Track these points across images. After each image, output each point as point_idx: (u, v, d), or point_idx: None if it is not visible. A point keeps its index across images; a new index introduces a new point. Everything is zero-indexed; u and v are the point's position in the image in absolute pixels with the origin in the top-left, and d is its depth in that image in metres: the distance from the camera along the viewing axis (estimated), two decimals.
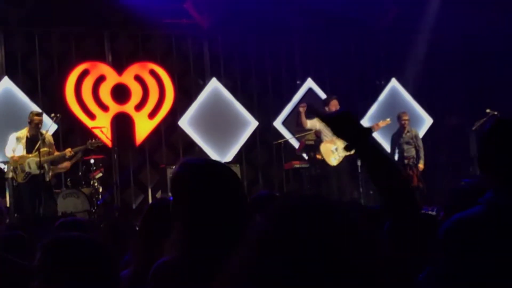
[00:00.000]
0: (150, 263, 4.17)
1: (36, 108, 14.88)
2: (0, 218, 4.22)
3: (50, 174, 13.60)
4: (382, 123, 15.80)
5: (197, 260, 2.93)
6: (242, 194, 3.08)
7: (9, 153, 13.32)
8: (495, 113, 15.17)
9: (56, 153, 13.61)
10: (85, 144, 14.01)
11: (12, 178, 13.24)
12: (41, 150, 13.15)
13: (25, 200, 13.15)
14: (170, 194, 3.10)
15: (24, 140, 13.32)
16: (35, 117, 13.45)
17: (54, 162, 13.79)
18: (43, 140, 13.29)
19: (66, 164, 14.07)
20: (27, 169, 13.11)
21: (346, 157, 14.50)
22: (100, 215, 13.86)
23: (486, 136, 2.99)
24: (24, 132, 13.43)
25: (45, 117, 14.48)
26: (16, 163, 13.16)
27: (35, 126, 13.33)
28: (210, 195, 2.97)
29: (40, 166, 13.11)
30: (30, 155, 13.12)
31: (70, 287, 2.97)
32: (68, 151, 13.56)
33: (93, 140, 14.17)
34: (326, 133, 14.65)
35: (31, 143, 13.29)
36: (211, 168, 3.10)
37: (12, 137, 13.44)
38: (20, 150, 13.26)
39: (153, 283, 2.90)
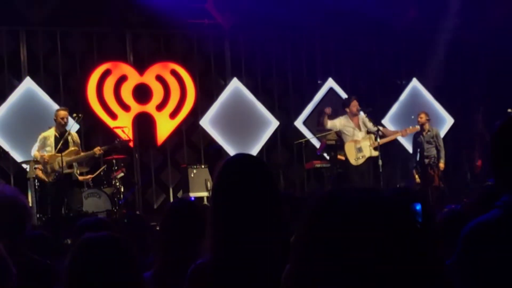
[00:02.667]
0: (171, 264, 4.20)
1: (57, 108, 14.94)
2: (28, 218, 4.24)
3: (78, 172, 13.57)
4: (410, 130, 15.78)
5: (233, 260, 2.93)
6: (276, 193, 3.07)
7: (33, 152, 13.30)
8: None
9: (84, 153, 13.52)
10: (114, 143, 14.00)
11: (35, 178, 13.25)
12: (71, 149, 13.15)
13: (51, 199, 13.12)
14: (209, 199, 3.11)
15: (52, 139, 13.27)
16: (58, 112, 13.43)
17: (81, 162, 13.76)
18: (71, 138, 13.27)
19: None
20: (57, 168, 13.05)
21: (370, 158, 14.50)
22: (122, 215, 13.90)
23: (496, 136, 2.91)
24: (51, 131, 13.39)
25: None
26: (46, 163, 13.12)
27: (61, 122, 13.27)
28: (246, 194, 2.96)
29: (70, 165, 13.08)
30: (59, 155, 13.03)
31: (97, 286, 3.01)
32: (97, 150, 13.50)
33: (119, 140, 14.16)
34: (348, 131, 14.66)
35: (59, 142, 13.22)
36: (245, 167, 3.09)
37: (40, 137, 13.40)
38: (50, 150, 13.23)
39: (190, 284, 2.91)
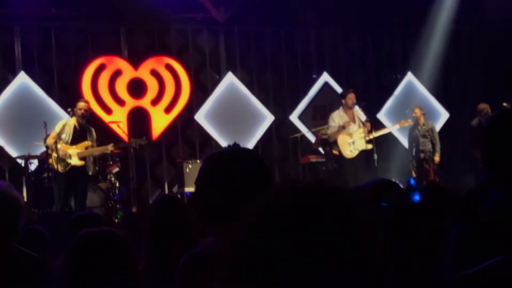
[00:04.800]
0: (161, 257, 4.21)
1: (52, 103, 14.94)
2: (22, 212, 4.23)
3: (92, 167, 13.33)
4: (403, 123, 15.80)
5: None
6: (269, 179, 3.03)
7: (49, 139, 12.98)
8: None
9: (97, 148, 13.14)
10: (128, 142, 13.86)
11: (30, 172, 13.16)
12: (85, 142, 12.90)
13: (60, 190, 12.85)
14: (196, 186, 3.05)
15: (71, 129, 12.93)
16: (78, 103, 12.98)
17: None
18: (89, 133, 13.05)
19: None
20: (67, 160, 12.80)
21: (362, 151, 14.47)
22: (117, 210, 13.88)
23: (488, 130, 2.88)
24: (72, 121, 12.91)
25: (61, 112, 14.57)
26: (57, 152, 12.79)
27: (78, 113, 12.91)
28: (237, 182, 2.93)
29: (80, 158, 12.86)
30: (73, 146, 12.80)
31: (97, 281, 3.01)
32: (110, 146, 13.30)
33: (135, 140, 14.04)
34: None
35: (78, 134, 12.93)
36: (234, 157, 3.05)
37: (60, 123, 12.97)
38: (65, 138, 12.88)
39: (183, 274, 2.89)
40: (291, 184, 1.62)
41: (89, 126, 13.13)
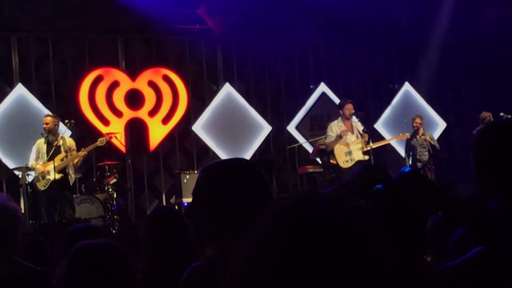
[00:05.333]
0: (157, 269, 4.22)
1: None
2: (20, 224, 4.23)
3: (73, 177, 13.45)
4: (401, 136, 15.87)
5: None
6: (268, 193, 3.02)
7: (30, 162, 13.31)
8: (509, 116, 15.12)
9: (70, 156, 13.38)
10: (96, 142, 13.85)
11: (27, 184, 13.23)
12: (60, 155, 13.11)
13: (43, 207, 13.11)
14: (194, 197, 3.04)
15: (44, 147, 13.23)
16: (44, 119, 13.35)
17: (79, 167, 13.67)
18: (62, 144, 13.22)
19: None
20: (47, 176, 13.03)
21: (359, 162, 14.47)
22: (114, 221, 13.89)
23: (481, 141, 2.87)
24: (42, 140, 13.33)
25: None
26: (38, 172, 13.12)
27: (48, 129, 13.21)
28: (236, 195, 2.92)
29: (58, 171, 13.04)
30: (51, 162, 13.04)
31: None
32: (81, 152, 13.39)
33: (103, 137, 14.04)
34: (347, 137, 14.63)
35: (51, 149, 13.20)
36: (234, 168, 3.05)
37: (34, 147, 13.39)
38: (43, 158, 13.21)
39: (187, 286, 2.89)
40: (300, 199, 1.62)
41: (62, 137, 13.26)
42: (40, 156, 13.24)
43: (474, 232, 2.71)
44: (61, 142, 13.28)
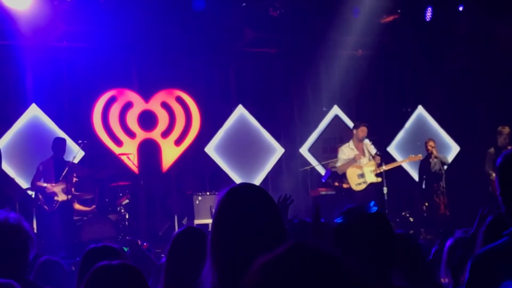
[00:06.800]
0: None
1: (63, 135, 15.01)
2: (32, 244, 4.24)
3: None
4: (413, 158, 15.82)
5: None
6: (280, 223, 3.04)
7: (34, 183, 13.51)
8: None
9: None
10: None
11: (39, 204, 13.32)
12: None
13: (55, 227, 13.20)
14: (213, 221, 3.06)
15: (51, 168, 13.45)
16: (55, 142, 13.77)
17: (79, 188, 13.82)
18: (69, 167, 13.41)
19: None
20: (55, 198, 13.21)
21: (371, 185, 14.45)
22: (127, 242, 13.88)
23: (504, 165, 2.87)
24: (49, 160, 13.55)
25: (72, 144, 14.66)
26: (44, 193, 13.28)
27: (57, 151, 13.54)
28: (249, 221, 2.93)
29: (67, 192, 13.19)
30: (57, 184, 13.24)
31: None
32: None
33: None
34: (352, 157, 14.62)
35: (58, 170, 13.42)
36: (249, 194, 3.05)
37: (40, 165, 13.58)
38: (51, 178, 13.37)
39: None
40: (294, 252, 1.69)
41: (64, 160, 13.64)
42: (48, 176, 13.44)
43: None
44: (69, 164, 13.54)
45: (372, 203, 3.05)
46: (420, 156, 15.91)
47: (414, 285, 3.83)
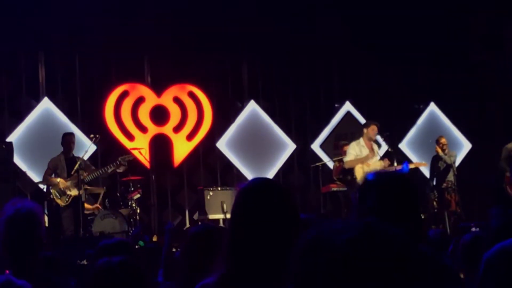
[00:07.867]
0: None
1: (75, 129, 15.05)
2: (43, 236, 4.27)
3: (84, 194, 13.64)
4: (417, 164, 15.87)
5: (242, 279, 2.91)
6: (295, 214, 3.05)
7: (51, 179, 13.51)
8: None
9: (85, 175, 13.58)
10: (117, 161, 13.90)
11: (53, 199, 13.34)
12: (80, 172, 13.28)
13: (68, 222, 13.27)
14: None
15: (64, 163, 13.48)
16: (72, 138, 13.81)
17: (90, 183, 13.81)
18: (80, 162, 13.40)
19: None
20: (68, 192, 13.24)
21: None
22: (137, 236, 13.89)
23: None
24: (60, 156, 13.59)
25: (84, 138, 14.69)
26: (56, 187, 13.30)
27: (67, 146, 13.54)
28: (263, 213, 2.94)
29: (79, 187, 13.20)
30: (69, 179, 13.28)
31: None
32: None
33: (124, 156, 14.10)
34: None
35: (69, 165, 13.44)
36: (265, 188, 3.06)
37: (52, 161, 13.63)
38: (64, 174, 13.41)
39: None
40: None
41: (74, 156, 13.62)
42: (57, 171, 13.48)
43: None
44: (81, 159, 13.52)
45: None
46: (425, 164, 15.95)
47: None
